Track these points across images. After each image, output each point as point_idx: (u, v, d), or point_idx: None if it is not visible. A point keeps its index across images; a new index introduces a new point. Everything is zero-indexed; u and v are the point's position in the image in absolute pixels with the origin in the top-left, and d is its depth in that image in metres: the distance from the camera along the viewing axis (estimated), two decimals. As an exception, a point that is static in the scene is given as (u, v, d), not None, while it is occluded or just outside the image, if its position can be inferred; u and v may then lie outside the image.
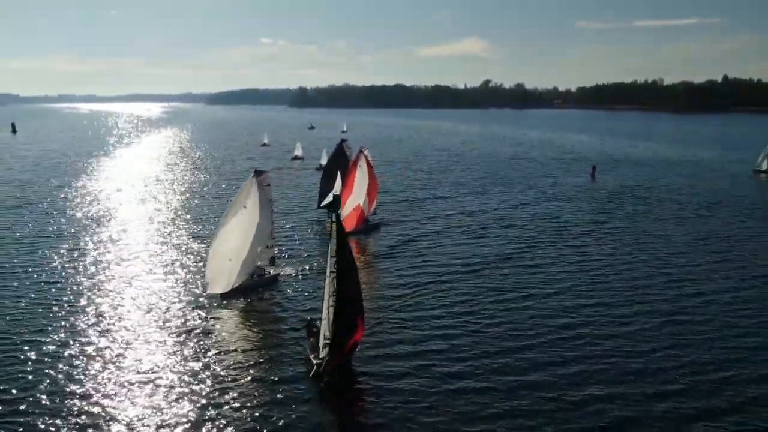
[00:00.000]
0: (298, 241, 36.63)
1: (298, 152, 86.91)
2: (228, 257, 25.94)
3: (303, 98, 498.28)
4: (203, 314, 24.59)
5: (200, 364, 20.29)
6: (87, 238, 37.78)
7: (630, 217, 44.41)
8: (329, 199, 43.76)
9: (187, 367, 20.11)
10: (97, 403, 18.00)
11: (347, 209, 37.42)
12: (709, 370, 19.90)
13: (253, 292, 27.09)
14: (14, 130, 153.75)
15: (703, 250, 35.06)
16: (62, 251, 34.58)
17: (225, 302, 25.75)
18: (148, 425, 16.94)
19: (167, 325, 23.55)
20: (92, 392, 18.62)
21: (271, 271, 29.02)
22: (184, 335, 22.57)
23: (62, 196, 53.92)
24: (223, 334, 22.90)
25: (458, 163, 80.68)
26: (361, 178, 38.01)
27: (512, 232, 39.58)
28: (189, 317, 24.33)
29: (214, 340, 22.24)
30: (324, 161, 76.02)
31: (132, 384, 19.05)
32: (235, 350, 21.45)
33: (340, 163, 43.90)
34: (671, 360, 20.56)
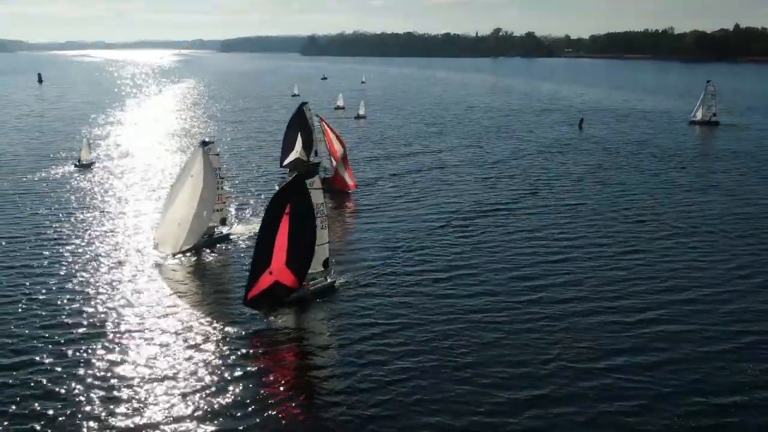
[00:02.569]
0: (255, 200, 38.54)
1: (340, 102, 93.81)
2: (177, 222, 27.65)
3: (314, 46, 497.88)
4: (151, 272, 26.52)
5: (141, 319, 21.90)
6: (84, 197, 39.67)
7: (602, 167, 50.25)
8: (291, 158, 45.44)
9: (129, 323, 21.62)
10: (42, 352, 19.48)
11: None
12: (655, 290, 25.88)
13: (204, 250, 29.10)
14: (40, 80, 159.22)
15: (640, 199, 40.25)
16: (56, 209, 36.73)
17: (175, 260, 27.85)
18: (87, 375, 18.17)
19: (115, 280, 25.41)
20: (40, 346, 19.92)
21: (224, 231, 31.01)
22: (131, 291, 24.28)
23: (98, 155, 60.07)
24: (168, 290, 24.59)
25: (469, 116, 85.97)
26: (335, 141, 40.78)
27: (500, 183, 44.47)
28: (136, 273, 26.25)
29: (158, 297, 23.82)
30: (362, 111, 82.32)
31: (79, 339, 20.45)
32: (178, 305, 23.08)
33: (301, 124, 46.18)
34: (634, 288, 25.39)
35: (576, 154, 56.09)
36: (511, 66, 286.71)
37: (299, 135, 45.38)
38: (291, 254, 21.85)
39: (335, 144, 40.34)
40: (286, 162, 45.54)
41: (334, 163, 40.77)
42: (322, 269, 24.29)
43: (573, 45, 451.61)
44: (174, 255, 27.94)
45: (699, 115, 75.40)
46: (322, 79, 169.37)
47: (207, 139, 30.40)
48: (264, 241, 21.86)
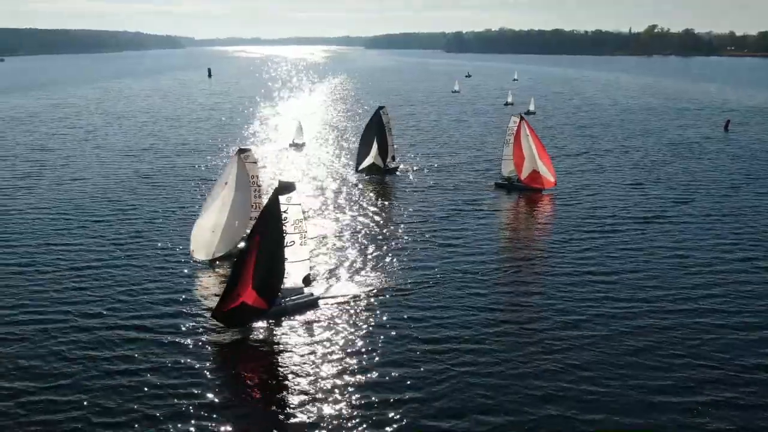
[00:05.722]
0: (319, 207, 38.15)
1: (510, 99, 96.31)
2: (210, 229, 27.87)
3: (458, 43, 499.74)
4: (179, 277, 26.74)
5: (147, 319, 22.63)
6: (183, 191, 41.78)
7: (748, 174, 47.97)
8: (366, 163, 45.44)
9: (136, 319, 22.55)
10: (74, 360, 19.77)
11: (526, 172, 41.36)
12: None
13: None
14: (210, 75, 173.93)
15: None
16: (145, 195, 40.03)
17: (209, 267, 27.96)
18: (104, 370, 19.13)
19: (146, 283, 26.01)
20: (79, 344, 20.69)
21: None
22: (153, 295, 24.72)
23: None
24: (189, 294, 25.10)
25: (621, 117, 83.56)
26: (526, 144, 41.01)
27: (648, 188, 43.49)
28: (164, 277, 26.64)
29: (184, 302, 24.16)
30: (532, 107, 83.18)
31: (107, 334, 21.45)
32: (188, 310, 23.44)
33: (378, 128, 45.61)
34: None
35: (722, 159, 54.14)
36: (665, 66, 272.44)
37: (375, 140, 45.39)
38: (257, 274, 21.46)
39: (525, 147, 40.79)
40: (360, 167, 45.80)
41: (533, 160, 41.04)
42: (303, 285, 23.74)
43: (737, 42, 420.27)
44: (208, 262, 28.11)
45: None
46: (466, 76, 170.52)
47: (244, 147, 29.33)
48: (240, 258, 21.81)
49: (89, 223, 34.24)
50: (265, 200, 24.95)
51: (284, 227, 22.26)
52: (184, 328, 21.98)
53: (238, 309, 21.35)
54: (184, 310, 23.44)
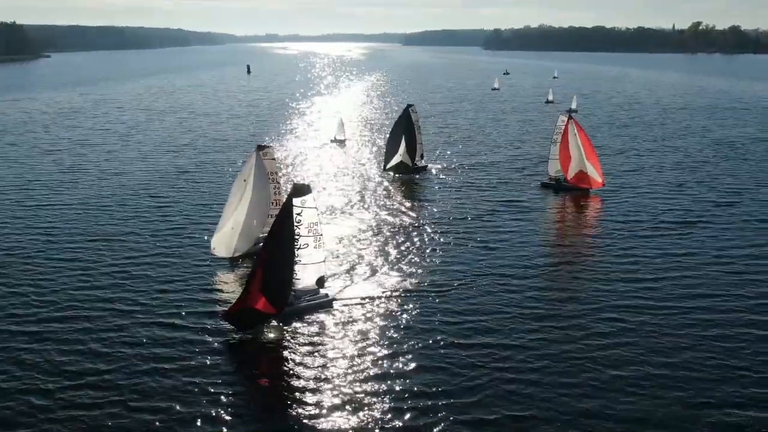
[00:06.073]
0: (344, 205, 37.84)
1: (550, 97, 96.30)
2: (231, 226, 27.80)
3: (497, 40, 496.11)
4: (209, 276, 26.79)
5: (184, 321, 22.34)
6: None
7: None
8: (394, 162, 45.15)
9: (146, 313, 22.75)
10: (100, 355, 19.86)
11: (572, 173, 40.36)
12: None
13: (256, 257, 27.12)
14: (249, 71, 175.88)
15: None
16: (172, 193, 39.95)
17: (229, 264, 27.88)
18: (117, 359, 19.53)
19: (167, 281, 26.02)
20: (100, 341, 20.74)
21: None
22: (178, 293, 24.77)
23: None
24: (206, 291, 25.19)
25: (664, 116, 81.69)
26: (573, 143, 39.97)
27: (690, 190, 42.32)
28: (197, 275, 26.72)
29: (201, 301, 24.25)
30: (574, 105, 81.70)
31: (130, 328, 21.64)
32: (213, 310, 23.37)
33: (406, 127, 45.24)
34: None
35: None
36: (710, 64, 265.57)
37: (403, 138, 45.01)
38: (266, 278, 21.19)
39: (572, 147, 39.87)
40: (388, 166, 45.65)
41: (581, 160, 40.18)
42: (317, 287, 23.43)
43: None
44: (228, 259, 27.99)
45: None
46: (504, 74, 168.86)
47: (263, 143, 29.00)
48: (254, 262, 21.67)
49: (129, 218, 34.77)
50: (285, 197, 24.34)
51: (297, 230, 22.04)
52: (207, 328, 21.92)
53: (245, 312, 21.18)
54: (209, 310, 23.45)
